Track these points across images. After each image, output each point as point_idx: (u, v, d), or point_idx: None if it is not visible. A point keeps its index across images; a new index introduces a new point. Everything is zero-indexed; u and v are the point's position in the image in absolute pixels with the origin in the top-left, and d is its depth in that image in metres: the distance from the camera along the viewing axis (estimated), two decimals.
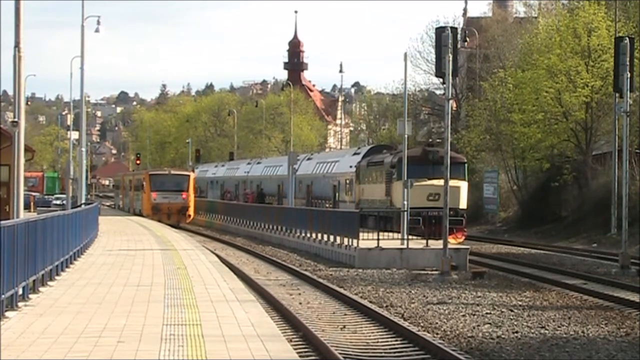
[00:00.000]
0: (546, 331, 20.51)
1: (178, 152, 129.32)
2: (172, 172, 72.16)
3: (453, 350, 17.49)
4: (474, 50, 77.39)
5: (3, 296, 14.99)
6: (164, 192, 67.51)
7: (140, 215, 69.58)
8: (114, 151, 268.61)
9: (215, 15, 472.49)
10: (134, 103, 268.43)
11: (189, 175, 70.30)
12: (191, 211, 68.56)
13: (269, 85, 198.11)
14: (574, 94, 54.12)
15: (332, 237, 39.85)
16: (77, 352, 12.34)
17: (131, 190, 78.88)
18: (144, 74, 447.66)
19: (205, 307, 16.87)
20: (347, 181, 57.08)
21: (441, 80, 36.16)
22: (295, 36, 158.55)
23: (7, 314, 15.46)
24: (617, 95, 37.94)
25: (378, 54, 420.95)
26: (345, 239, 37.77)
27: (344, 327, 20.58)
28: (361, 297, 26.07)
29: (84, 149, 55.59)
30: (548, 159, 57.65)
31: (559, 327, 21.10)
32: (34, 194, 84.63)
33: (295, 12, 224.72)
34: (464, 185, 45.93)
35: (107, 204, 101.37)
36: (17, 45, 24.07)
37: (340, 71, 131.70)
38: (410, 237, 37.91)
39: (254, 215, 57.83)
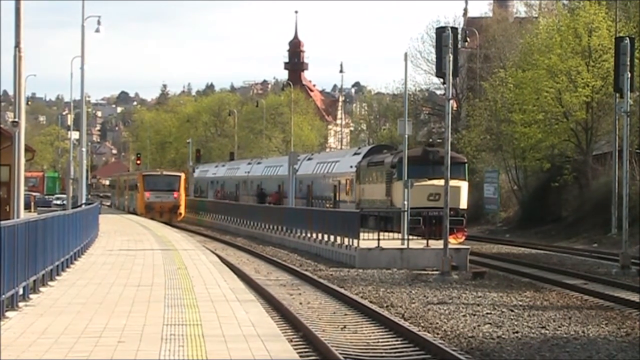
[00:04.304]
0: (547, 331, 20.50)
1: (178, 152, 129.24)
2: (164, 172, 76.30)
3: (453, 350, 17.48)
4: (474, 50, 77.40)
5: (3, 296, 14.98)
6: (156, 191, 71.27)
7: (135, 213, 72.55)
8: (114, 151, 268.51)
9: (216, 15, 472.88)
10: (135, 103, 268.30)
11: (180, 176, 74.14)
12: (182, 210, 71.90)
13: (270, 85, 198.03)
14: (574, 94, 54.10)
15: (332, 237, 39.82)
16: (77, 352, 12.34)
17: (126, 190, 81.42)
18: (144, 74, 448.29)
19: (206, 307, 16.86)
20: (348, 181, 57.05)
21: (441, 80, 36.15)
22: (296, 36, 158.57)
23: (8, 314, 15.45)
24: (617, 95, 37.89)
25: (378, 54, 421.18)
26: (346, 239, 37.73)
27: (345, 327, 20.56)
28: (362, 297, 26.05)
29: (84, 149, 55.61)
30: (548, 159, 57.62)
31: (559, 327, 21.09)
32: (34, 194, 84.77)
33: (296, 12, 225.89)
34: (464, 185, 45.91)
35: (107, 203, 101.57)
36: (17, 45, 24.07)
37: (341, 71, 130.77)
38: (410, 237, 37.88)
39: (254, 215, 57.82)
